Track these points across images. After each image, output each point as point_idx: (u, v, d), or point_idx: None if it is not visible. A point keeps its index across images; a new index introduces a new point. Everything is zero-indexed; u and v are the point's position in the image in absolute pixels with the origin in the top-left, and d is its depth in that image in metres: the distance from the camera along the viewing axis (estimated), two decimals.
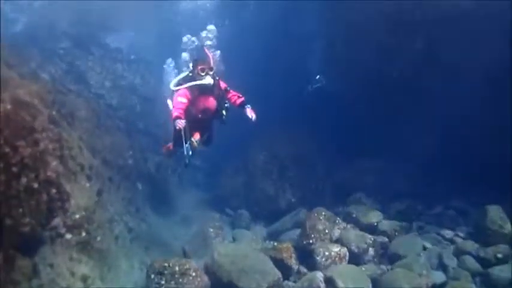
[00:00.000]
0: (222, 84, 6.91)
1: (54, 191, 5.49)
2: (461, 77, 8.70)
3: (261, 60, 13.49)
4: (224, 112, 6.87)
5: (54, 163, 5.82)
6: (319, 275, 6.56)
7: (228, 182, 12.32)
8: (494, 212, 7.49)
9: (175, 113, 6.38)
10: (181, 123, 6.28)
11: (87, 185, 6.98)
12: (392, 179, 10.44)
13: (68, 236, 5.71)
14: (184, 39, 9.52)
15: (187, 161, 8.26)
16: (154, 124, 14.26)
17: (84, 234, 6.04)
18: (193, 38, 9.46)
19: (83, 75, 14.15)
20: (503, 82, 8.35)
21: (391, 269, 6.99)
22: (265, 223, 10.90)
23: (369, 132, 10.52)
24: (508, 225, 7.35)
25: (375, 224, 8.56)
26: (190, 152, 8.17)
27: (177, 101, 6.50)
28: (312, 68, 12.46)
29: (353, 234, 7.82)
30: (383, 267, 7.21)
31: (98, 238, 6.43)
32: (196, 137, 8.59)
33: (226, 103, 6.87)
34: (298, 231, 8.73)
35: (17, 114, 4.90)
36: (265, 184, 11.46)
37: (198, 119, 6.87)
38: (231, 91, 6.96)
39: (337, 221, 8.18)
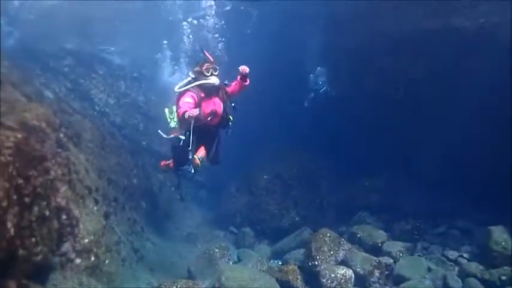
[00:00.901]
0: (225, 84, 6.77)
1: (64, 217, 5.58)
2: (461, 98, 8.84)
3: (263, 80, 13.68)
4: (231, 118, 6.74)
5: (63, 188, 5.91)
6: None
7: (231, 200, 12.40)
8: (498, 233, 7.58)
9: (184, 109, 6.07)
10: (195, 111, 5.97)
11: (95, 208, 7.05)
12: (396, 197, 10.48)
13: (78, 260, 5.75)
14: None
15: (181, 195, 9.06)
16: (158, 142, 14.40)
17: (93, 258, 6.10)
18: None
19: (86, 93, 14.26)
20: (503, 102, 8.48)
21: None
22: (269, 241, 10.93)
23: (373, 151, 10.61)
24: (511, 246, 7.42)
25: (380, 244, 8.61)
26: (193, 170, 8.36)
27: (184, 102, 6.28)
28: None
29: (358, 256, 7.86)
30: None
31: (107, 261, 6.49)
32: (201, 153, 8.67)
33: (233, 105, 6.72)
34: (302, 250, 8.78)
35: (28, 144, 4.98)
36: (268, 203, 11.52)
37: (204, 128, 6.62)
38: (231, 84, 6.80)
39: (341, 242, 8.20)
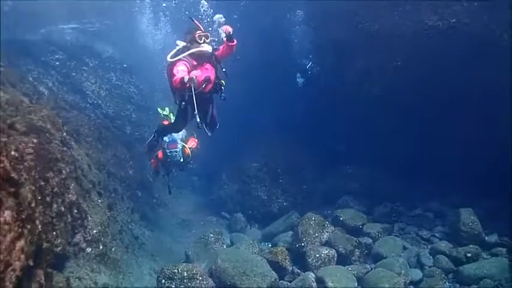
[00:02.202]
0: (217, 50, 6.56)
1: (75, 211, 6.20)
2: (434, 92, 9.53)
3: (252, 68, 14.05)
4: (223, 82, 6.58)
5: (72, 185, 6.51)
6: (311, 276, 7.41)
7: (223, 187, 13.05)
8: (466, 215, 8.40)
9: (179, 77, 5.82)
10: (195, 73, 5.88)
11: (99, 201, 7.66)
12: (376, 183, 11.23)
13: (88, 249, 6.39)
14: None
15: (169, 188, 9.53)
16: (150, 132, 14.89)
17: (101, 247, 6.74)
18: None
19: (78, 86, 14.50)
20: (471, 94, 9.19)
21: (374, 268, 7.81)
22: (260, 226, 11.68)
23: (355, 141, 11.28)
24: (479, 227, 8.26)
25: (360, 226, 9.41)
26: (182, 160, 8.89)
27: (178, 70, 6.03)
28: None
29: (340, 237, 8.65)
30: (367, 266, 8.06)
31: (113, 249, 7.15)
32: (191, 143, 9.29)
33: (224, 70, 6.58)
34: (290, 233, 9.58)
35: (43, 148, 5.56)
36: (258, 190, 12.23)
37: (198, 95, 6.22)
38: (219, 48, 6.53)
39: (326, 225, 8.97)
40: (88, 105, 14.01)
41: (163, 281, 7.01)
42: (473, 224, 8.22)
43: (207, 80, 6.31)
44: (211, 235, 9.58)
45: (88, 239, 6.46)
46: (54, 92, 12.47)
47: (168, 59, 6.19)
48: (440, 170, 9.90)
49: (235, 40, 6.33)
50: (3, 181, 3.70)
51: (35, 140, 5.56)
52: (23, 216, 3.94)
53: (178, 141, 8.78)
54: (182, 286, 6.88)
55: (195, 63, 6.25)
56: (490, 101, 8.95)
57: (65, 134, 8.19)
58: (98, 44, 17.40)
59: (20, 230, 3.79)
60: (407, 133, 10.04)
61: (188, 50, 6.15)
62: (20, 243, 3.77)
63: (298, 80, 12.22)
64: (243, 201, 12.41)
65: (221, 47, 6.49)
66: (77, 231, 6.22)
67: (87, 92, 14.60)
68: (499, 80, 8.71)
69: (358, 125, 10.93)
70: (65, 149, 7.40)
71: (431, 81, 9.32)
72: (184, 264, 7.52)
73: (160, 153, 8.78)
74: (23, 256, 3.81)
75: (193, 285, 6.89)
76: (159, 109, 9.76)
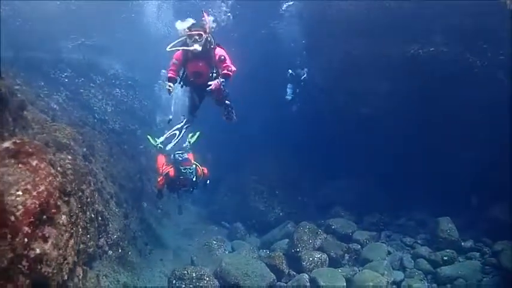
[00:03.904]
0: (219, 52, 6.79)
1: (100, 218, 7.11)
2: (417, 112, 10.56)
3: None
4: (221, 79, 6.81)
5: (96, 195, 7.42)
6: (305, 277, 8.34)
7: (223, 199, 13.94)
8: (444, 223, 9.37)
9: (169, 73, 6.91)
10: (168, 88, 6.75)
11: (116, 210, 8.57)
12: (365, 195, 12.16)
13: (110, 252, 7.29)
14: None
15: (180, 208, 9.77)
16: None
17: (120, 250, 7.64)
18: None
19: (86, 102, 15.33)
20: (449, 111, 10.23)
21: (361, 270, 8.73)
22: (258, 234, 12.53)
23: (345, 156, 12.24)
24: (456, 233, 9.23)
25: (350, 233, 10.34)
26: (194, 178, 8.51)
27: (171, 63, 6.89)
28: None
29: (332, 243, 9.60)
30: (355, 268, 8.99)
31: (129, 253, 8.04)
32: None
33: (214, 72, 6.93)
34: (286, 241, 10.47)
35: (76, 164, 6.48)
36: (256, 201, 13.16)
37: (195, 84, 7.11)
38: (225, 61, 6.78)
39: (319, 232, 9.91)
40: (95, 120, 14.80)
41: (174, 281, 7.87)
42: (450, 231, 9.18)
43: (196, 74, 6.93)
44: (214, 242, 10.46)
45: (110, 243, 7.36)
46: (65, 108, 13.27)
47: (167, 49, 6.67)
48: (425, 184, 10.88)
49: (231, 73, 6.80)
50: (60, 192, 4.62)
51: (69, 157, 6.50)
52: (73, 221, 4.86)
53: (192, 161, 8.79)
54: (191, 286, 7.75)
55: (190, 56, 6.78)
56: (468, 119, 9.99)
57: (85, 149, 9.14)
58: (104, 60, 18.36)
59: (71, 231, 4.71)
60: (393, 150, 11.00)
61: (183, 45, 6.69)
62: (71, 242, 4.68)
63: (287, 94, 12.86)
64: (242, 211, 13.27)
65: (225, 66, 6.77)
66: (101, 236, 7.13)
67: (95, 108, 15.42)
68: (474, 100, 9.76)
69: (349, 141, 11.88)
70: (87, 163, 8.34)
71: (415, 103, 10.33)
72: (192, 267, 8.41)
73: (172, 171, 8.52)
74: (73, 253, 4.72)
75: (201, 285, 7.77)
76: (149, 137, 9.82)
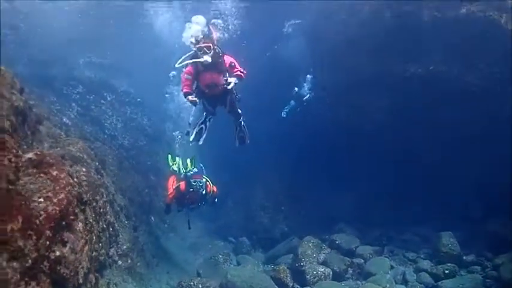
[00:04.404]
0: (228, 60, 6.98)
1: (111, 229, 7.39)
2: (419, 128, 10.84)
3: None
4: (231, 85, 6.95)
5: (108, 207, 7.72)
6: None
7: (229, 214, 14.18)
8: (446, 237, 9.54)
9: (184, 89, 6.88)
10: (192, 100, 6.75)
11: (126, 222, 8.86)
12: (369, 211, 12.37)
13: (120, 262, 7.54)
14: None
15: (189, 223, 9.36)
16: (162, 162, 16.15)
17: (129, 261, 7.89)
18: None
19: (97, 119, 15.76)
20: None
21: (364, 284, 8.89)
22: (263, 249, 12.70)
23: (350, 172, 12.48)
24: (457, 248, 9.39)
25: (354, 248, 10.52)
26: (204, 192, 8.66)
27: (183, 78, 6.91)
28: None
29: (335, 257, 9.78)
30: (359, 282, 9.15)
31: (138, 264, 8.29)
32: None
33: (226, 79, 7.02)
34: (291, 255, 10.64)
35: (90, 175, 6.81)
36: (262, 217, 13.40)
37: (208, 96, 7.17)
38: (236, 66, 6.98)
39: (322, 247, 10.12)
40: (105, 136, 15.22)
41: None
42: (452, 245, 9.35)
43: (210, 86, 7.01)
44: (220, 256, 10.69)
45: (120, 253, 7.63)
46: (77, 124, 13.67)
47: (176, 65, 6.84)
48: (428, 199, 11.10)
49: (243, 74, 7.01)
50: (77, 200, 4.93)
51: (84, 169, 6.84)
52: (88, 228, 5.17)
53: (204, 176, 8.93)
54: None
55: (201, 69, 6.89)
56: (467, 135, 10.24)
57: (97, 163, 9.48)
58: (114, 77, 18.87)
59: (86, 238, 5.01)
60: (396, 165, 11.26)
61: (193, 58, 6.80)
62: (86, 248, 4.98)
63: (283, 111, 13.33)
64: (248, 226, 13.51)
65: (236, 70, 7.00)
66: (111, 245, 7.40)
67: (105, 124, 15.86)
68: (471, 120, 10.05)
69: (353, 157, 12.15)
70: (99, 176, 8.67)
71: (416, 120, 10.62)
72: (198, 278, 8.65)
73: (182, 185, 8.65)
74: (87, 258, 5.01)
75: None
76: (169, 157, 10.10)
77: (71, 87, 16.21)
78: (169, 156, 10.04)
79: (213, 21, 8.64)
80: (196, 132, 7.66)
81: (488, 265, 8.89)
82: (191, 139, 8.80)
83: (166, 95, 15.83)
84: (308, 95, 12.92)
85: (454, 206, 10.96)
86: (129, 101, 18.69)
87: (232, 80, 6.89)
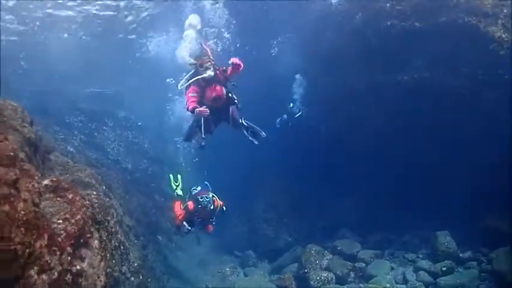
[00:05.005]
0: (221, 69, 7.17)
1: (122, 247, 7.82)
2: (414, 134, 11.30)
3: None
4: (234, 96, 7.25)
5: (117, 227, 8.17)
6: None
7: (234, 228, 14.59)
8: (442, 237, 9.94)
9: (190, 105, 6.92)
10: (203, 110, 6.81)
11: (135, 241, 9.29)
12: (369, 217, 12.72)
13: (132, 278, 7.95)
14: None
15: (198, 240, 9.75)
16: (165, 184, 16.62)
17: (141, 277, 8.29)
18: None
19: (100, 145, 16.28)
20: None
21: (366, 286, 9.28)
22: (269, 261, 13.08)
23: (349, 180, 12.91)
24: (454, 246, 9.78)
25: (355, 253, 10.90)
26: (212, 207, 8.50)
27: (189, 96, 7.03)
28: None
29: (338, 262, 10.17)
30: (361, 285, 9.52)
31: (149, 280, 8.68)
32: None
33: (232, 83, 7.24)
34: (296, 264, 11.03)
35: (100, 198, 7.28)
36: (266, 229, 13.83)
37: (214, 109, 7.13)
38: (227, 69, 7.10)
39: (325, 253, 10.53)
40: (109, 161, 15.69)
41: None
42: (448, 243, 9.74)
43: (215, 99, 7.17)
44: (228, 269, 11.08)
45: (131, 270, 8.04)
46: (80, 151, 14.16)
47: (179, 87, 7.15)
48: (426, 201, 11.44)
49: (241, 64, 6.92)
50: (92, 220, 5.40)
51: (94, 193, 7.32)
52: (102, 246, 5.62)
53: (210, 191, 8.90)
54: None
55: (204, 84, 7.11)
56: (461, 137, 10.68)
57: (104, 187, 9.96)
58: (114, 106, 19.42)
59: (102, 254, 5.45)
60: (396, 173, 11.66)
61: (195, 76, 7.04)
62: (102, 264, 5.42)
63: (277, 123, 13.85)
64: (253, 239, 13.92)
65: (229, 69, 7.08)
66: (123, 263, 7.82)
67: (108, 150, 16.37)
68: (465, 120, 10.49)
69: (352, 166, 12.61)
70: (108, 199, 9.13)
71: (410, 128, 11.09)
72: None
73: (191, 204, 8.58)
74: (104, 273, 5.45)
75: None
76: (171, 177, 9.80)
77: (73, 116, 16.80)
78: (171, 176, 9.85)
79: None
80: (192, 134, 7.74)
81: (484, 260, 9.26)
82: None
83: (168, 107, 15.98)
84: (300, 112, 13.55)
85: (453, 206, 11.28)
86: (130, 125, 19.27)
87: (234, 60, 6.86)
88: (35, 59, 16.63)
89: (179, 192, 9.38)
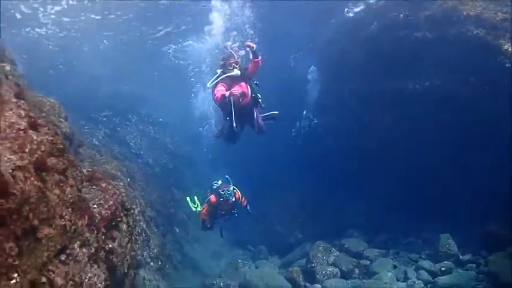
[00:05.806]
0: (243, 69, 7.49)
1: (143, 234, 8.60)
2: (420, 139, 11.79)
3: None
4: (259, 95, 7.53)
5: (140, 216, 8.95)
6: (318, 286, 9.50)
7: (248, 225, 15.26)
8: (444, 239, 10.41)
9: (219, 93, 7.06)
10: (234, 91, 7.01)
11: (156, 230, 10.06)
12: (376, 217, 13.28)
13: (152, 263, 8.73)
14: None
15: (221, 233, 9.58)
16: (184, 178, 17.46)
17: (160, 263, 9.08)
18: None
19: (123, 139, 17.10)
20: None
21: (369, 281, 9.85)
22: (280, 256, 13.74)
23: (357, 182, 13.47)
24: (454, 248, 10.25)
25: (361, 251, 11.46)
26: (234, 199, 8.64)
27: (218, 89, 7.21)
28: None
29: (343, 259, 10.76)
30: (364, 281, 10.07)
31: (167, 266, 9.46)
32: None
33: (256, 82, 7.59)
34: (304, 260, 11.64)
35: (126, 188, 8.05)
36: (278, 226, 14.56)
37: (239, 109, 7.24)
38: (249, 66, 7.55)
39: (332, 250, 11.12)
40: (131, 155, 16.50)
41: None
42: (449, 246, 10.21)
43: (242, 95, 7.29)
44: (240, 261, 11.78)
45: (151, 256, 8.82)
46: (105, 144, 14.99)
47: (208, 85, 7.41)
48: (431, 205, 11.91)
49: (260, 56, 7.46)
50: (121, 206, 6.15)
51: (121, 183, 8.10)
52: (129, 230, 6.37)
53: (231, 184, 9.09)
54: None
55: (230, 83, 7.35)
56: (464, 147, 11.12)
57: (128, 179, 10.78)
58: (138, 102, 20.34)
59: (129, 237, 6.20)
60: (404, 177, 12.16)
61: (223, 74, 7.35)
62: (129, 245, 6.17)
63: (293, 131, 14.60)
64: (266, 236, 14.64)
65: (249, 65, 7.57)
66: (144, 249, 8.60)
67: (131, 144, 17.17)
68: (471, 127, 10.92)
69: (361, 171, 13.17)
70: (131, 190, 9.93)
71: (417, 134, 11.57)
72: (220, 278, 9.73)
73: (213, 197, 8.74)
74: (130, 253, 6.20)
75: None
76: (188, 199, 9.58)
77: (98, 111, 17.72)
78: (188, 199, 9.58)
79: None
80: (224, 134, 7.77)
81: (482, 262, 9.69)
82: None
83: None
84: (314, 120, 14.25)
85: (457, 210, 11.71)
86: (152, 121, 20.14)
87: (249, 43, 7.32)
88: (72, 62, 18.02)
89: (199, 209, 9.30)
